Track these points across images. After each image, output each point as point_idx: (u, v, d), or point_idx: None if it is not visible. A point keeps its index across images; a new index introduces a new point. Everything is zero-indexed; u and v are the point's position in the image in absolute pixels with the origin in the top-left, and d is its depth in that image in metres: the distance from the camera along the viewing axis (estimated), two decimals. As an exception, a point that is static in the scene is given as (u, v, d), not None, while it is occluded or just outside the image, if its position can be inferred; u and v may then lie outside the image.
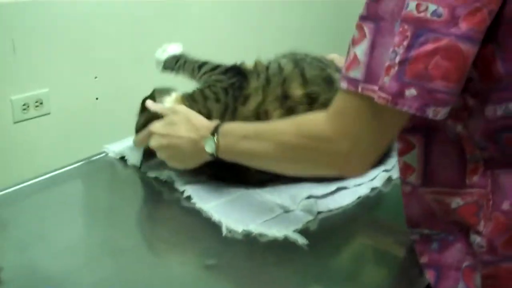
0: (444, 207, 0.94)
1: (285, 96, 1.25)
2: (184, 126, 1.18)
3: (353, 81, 0.87)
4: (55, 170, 1.34)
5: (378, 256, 1.12)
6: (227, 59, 2.59)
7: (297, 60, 1.33)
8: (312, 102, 1.24)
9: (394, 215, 1.23)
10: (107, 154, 1.42)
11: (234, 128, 1.13)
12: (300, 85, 1.26)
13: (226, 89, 1.30)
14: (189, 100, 1.31)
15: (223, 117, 1.25)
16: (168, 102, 1.30)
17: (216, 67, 1.39)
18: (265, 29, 2.98)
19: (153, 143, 1.23)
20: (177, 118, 1.21)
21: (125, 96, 2.41)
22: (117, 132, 1.52)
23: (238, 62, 1.39)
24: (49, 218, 1.17)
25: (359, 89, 0.86)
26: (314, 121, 0.96)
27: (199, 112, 1.24)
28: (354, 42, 0.87)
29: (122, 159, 1.39)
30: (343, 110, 0.90)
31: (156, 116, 1.26)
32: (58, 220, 1.16)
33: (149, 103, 1.31)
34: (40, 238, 1.09)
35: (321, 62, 1.36)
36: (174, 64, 1.46)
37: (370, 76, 0.85)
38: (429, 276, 0.97)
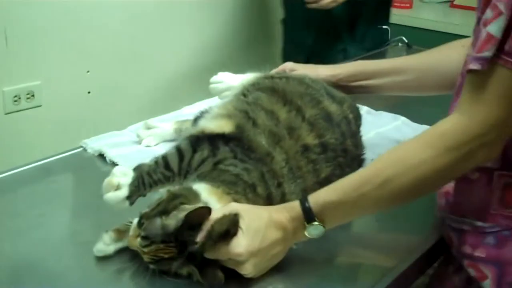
0: None
1: (305, 148, 1.12)
2: (269, 227, 0.95)
3: (485, 59, 0.87)
4: (31, 163, 1.36)
5: (370, 250, 1.13)
6: (220, 56, 2.56)
7: (284, 96, 1.19)
8: (325, 151, 1.14)
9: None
10: (84, 149, 1.42)
11: (333, 198, 0.97)
12: (310, 132, 1.14)
13: (238, 158, 1.07)
14: (228, 187, 1.02)
15: (267, 184, 1.06)
16: (214, 203, 0.99)
17: (193, 149, 1.09)
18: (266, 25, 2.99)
19: (248, 269, 0.95)
20: (256, 222, 0.95)
21: (117, 91, 2.44)
22: (109, 127, 1.52)
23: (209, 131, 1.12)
24: (22, 211, 1.19)
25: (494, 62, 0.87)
26: (449, 128, 0.92)
27: (246, 191, 1.03)
28: (486, 22, 0.88)
29: (101, 156, 1.39)
30: (482, 96, 0.89)
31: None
32: (31, 213, 1.18)
33: (213, 218, 0.94)
34: (16, 230, 1.12)
35: (308, 88, 1.23)
36: (142, 186, 1.05)
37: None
38: (489, 272, 0.98)
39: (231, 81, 1.35)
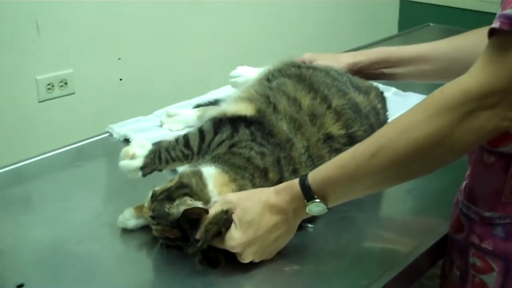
0: None
1: (328, 137, 1.10)
2: (264, 214, 0.95)
3: (507, 18, 0.78)
4: (57, 149, 1.38)
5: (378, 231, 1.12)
6: (248, 42, 2.53)
7: (310, 84, 1.17)
8: (352, 143, 1.07)
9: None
10: (111, 134, 1.44)
11: (330, 174, 0.93)
12: (336, 121, 1.11)
13: (257, 142, 1.07)
14: (236, 172, 1.03)
15: (281, 169, 1.05)
16: (216, 192, 1.00)
17: (214, 131, 1.11)
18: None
19: (247, 258, 0.97)
20: (249, 213, 0.96)
21: (148, 77, 2.46)
22: (140, 113, 1.54)
23: (231, 113, 1.13)
24: (49, 195, 1.22)
25: None
26: (449, 88, 0.84)
27: (254, 176, 1.04)
28: None
29: (127, 141, 1.40)
30: (496, 59, 0.81)
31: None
32: (57, 197, 1.21)
33: (211, 215, 0.96)
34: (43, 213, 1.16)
35: (334, 80, 1.21)
36: (158, 160, 1.08)
37: None
38: (496, 265, 0.94)
39: (250, 75, 1.36)
